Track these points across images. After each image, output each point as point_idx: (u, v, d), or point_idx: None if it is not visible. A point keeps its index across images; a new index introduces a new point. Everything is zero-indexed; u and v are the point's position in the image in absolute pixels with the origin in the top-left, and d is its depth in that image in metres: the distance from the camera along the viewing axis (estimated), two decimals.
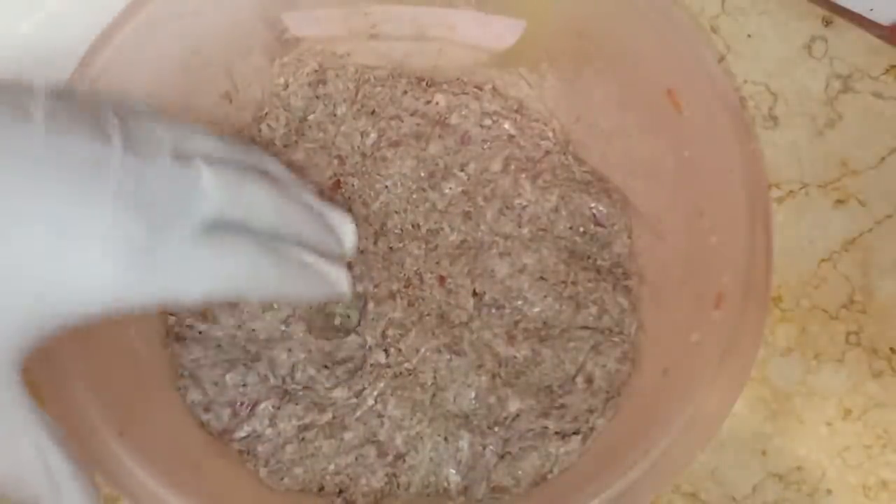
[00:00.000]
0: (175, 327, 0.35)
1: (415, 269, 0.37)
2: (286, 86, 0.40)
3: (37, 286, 0.21)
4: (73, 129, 0.22)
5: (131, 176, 0.22)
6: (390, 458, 0.34)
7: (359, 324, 0.36)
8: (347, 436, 0.34)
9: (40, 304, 0.22)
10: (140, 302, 0.23)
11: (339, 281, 0.29)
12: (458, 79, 0.40)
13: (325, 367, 0.35)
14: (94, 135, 0.22)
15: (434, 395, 0.35)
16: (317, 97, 0.40)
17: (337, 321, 0.36)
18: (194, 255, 0.24)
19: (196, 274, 0.24)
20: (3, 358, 0.21)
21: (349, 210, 0.38)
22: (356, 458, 0.33)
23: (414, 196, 0.38)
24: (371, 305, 0.36)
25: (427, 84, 0.40)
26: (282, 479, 0.33)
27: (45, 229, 0.21)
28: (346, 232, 0.30)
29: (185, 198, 0.24)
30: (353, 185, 0.38)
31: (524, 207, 0.38)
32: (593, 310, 0.36)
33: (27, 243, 0.21)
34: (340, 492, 0.33)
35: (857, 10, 0.41)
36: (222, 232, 0.24)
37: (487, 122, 0.39)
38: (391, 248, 0.37)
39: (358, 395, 0.34)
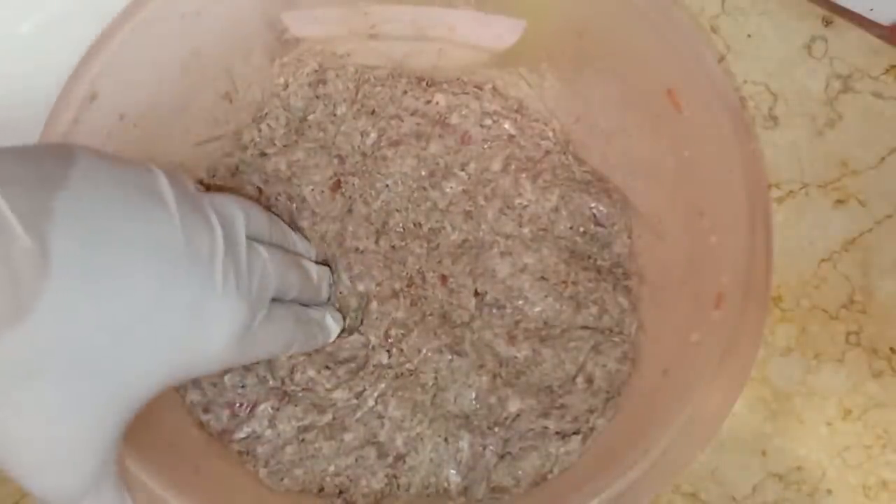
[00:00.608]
0: None
1: (417, 268, 0.37)
2: (286, 86, 0.40)
3: (168, 359, 0.25)
4: (193, 218, 0.26)
5: (231, 264, 0.26)
6: (390, 458, 0.34)
7: (361, 323, 0.36)
8: (347, 437, 0.34)
9: (163, 376, 0.25)
10: (229, 366, 0.29)
11: (332, 326, 0.35)
12: (458, 79, 0.40)
13: (327, 367, 0.35)
14: (205, 225, 0.26)
15: (434, 396, 0.35)
16: (317, 97, 0.40)
17: (346, 322, 0.36)
18: (266, 329, 0.29)
19: (264, 344, 0.29)
20: (119, 419, 0.24)
21: (349, 210, 0.38)
22: (356, 460, 0.33)
23: (415, 195, 0.38)
24: (374, 305, 0.36)
25: (427, 84, 0.40)
26: (281, 479, 0.33)
27: (182, 315, 0.25)
28: (329, 281, 0.36)
29: (263, 281, 0.28)
30: (353, 185, 0.38)
31: (524, 207, 0.38)
32: (593, 310, 0.36)
33: (168, 326, 0.24)
34: (340, 493, 0.33)
35: (857, 10, 0.41)
36: (273, 307, 0.29)
37: (487, 121, 0.39)
38: (393, 246, 0.37)
39: (358, 396, 0.34)
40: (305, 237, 0.37)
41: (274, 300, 0.30)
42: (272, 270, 0.29)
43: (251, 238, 0.29)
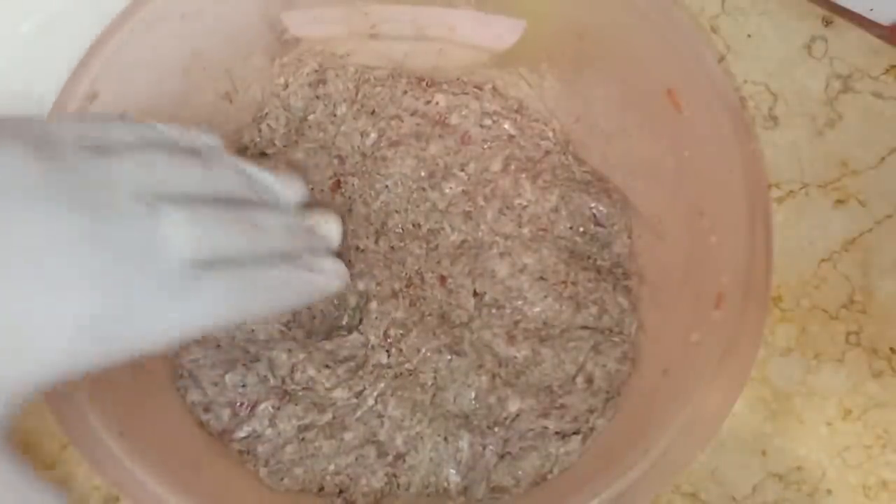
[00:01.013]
0: None
1: (416, 268, 0.37)
2: (286, 86, 0.40)
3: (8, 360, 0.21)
4: (30, 204, 0.21)
5: (98, 247, 0.22)
6: (390, 458, 0.34)
7: (360, 321, 0.36)
8: (347, 436, 0.34)
9: (14, 378, 0.22)
10: (108, 362, 0.23)
11: (330, 279, 0.30)
12: (458, 79, 0.40)
13: (326, 366, 0.35)
14: (47, 210, 0.21)
15: (434, 396, 0.35)
16: (317, 97, 0.40)
17: (344, 321, 0.36)
18: (165, 307, 0.23)
19: (168, 324, 0.24)
20: None
21: (349, 210, 0.38)
22: (356, 459, 0.33)
23: (414, 196, 0.38)
24: (374, 304, 0.36)
25: (427, 84, 0.40)
26: (282, 479, 0.33)
27: (8, 316, 0.21)
28: (331, 230, 0.31)
29: (150, 253, 0.23)
30: (353, 185, 0.38)
31: (524, 207, 0.38)
32: (593, 310, 0.36)
33: None
34: (340, 492, 0.33)
35: (857, 10, 0.41)
36: (197, 273, 0.24)
37: (487, 122, 0.39)
38: (392, 247, 0.37)
39: (358, 395, 0.34)
40: None
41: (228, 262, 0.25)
42: (179, 232, 0.24)
43: (169, 195, 0.24)
